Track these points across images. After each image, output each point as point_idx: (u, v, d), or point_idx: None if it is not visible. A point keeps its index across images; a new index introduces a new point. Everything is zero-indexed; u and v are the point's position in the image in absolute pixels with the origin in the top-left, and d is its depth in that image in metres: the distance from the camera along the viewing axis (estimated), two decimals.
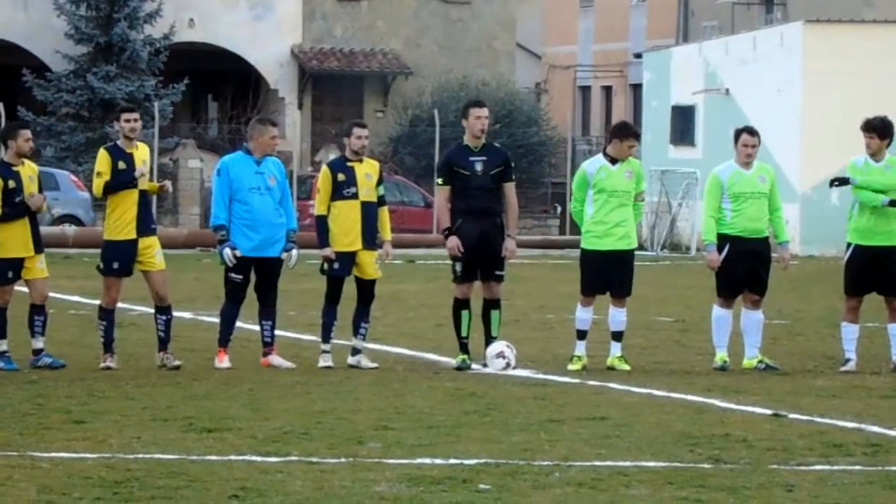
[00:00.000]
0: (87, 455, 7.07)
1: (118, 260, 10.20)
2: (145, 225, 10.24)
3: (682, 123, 31.09)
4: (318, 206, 10.53)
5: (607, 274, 10.62)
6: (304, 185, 32.01)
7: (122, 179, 10.19)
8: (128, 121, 10.31)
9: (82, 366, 10.44)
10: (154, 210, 10.77)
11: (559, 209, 32.94)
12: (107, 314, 10.28)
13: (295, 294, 16.43)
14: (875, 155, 10.76)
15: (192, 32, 35.00)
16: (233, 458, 7.03)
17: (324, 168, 10.65)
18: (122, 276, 10.29)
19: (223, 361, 10.46)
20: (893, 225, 10.67)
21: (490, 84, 35.23)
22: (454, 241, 10.36)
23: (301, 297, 16.09)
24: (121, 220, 10.19)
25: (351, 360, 10.54)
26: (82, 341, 11.94)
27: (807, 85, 28.40)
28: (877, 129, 10.74)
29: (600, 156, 10.77)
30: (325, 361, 10.50)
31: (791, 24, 30.28)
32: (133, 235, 10.19)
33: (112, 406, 8.63)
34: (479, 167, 10.40)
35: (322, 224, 10.48)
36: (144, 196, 10.28)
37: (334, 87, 36.20)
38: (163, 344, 10.37)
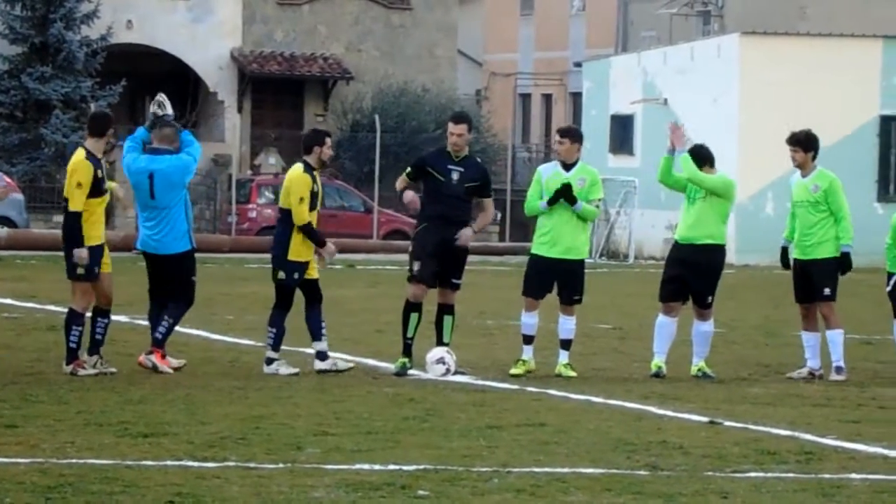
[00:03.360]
0: (20, 460, 6.96)
1: (97, 264, 10.19)
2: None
3: (621, 132, 31.29)
4: (304, 215, 10.24)
5: (551, 281, 10.65)
6: (244, 188, 31.79)
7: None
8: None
9: (14, 369, 10.29)
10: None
11: (499, 216, 33.00)
12: (82, 318, 10.17)
13: (235, 298, 16.30)
14: (802, 167, 10.90)
15: (129, 34, 34.63)
16: (169, 463, 6.97)
17: (305, 176, 10.38)
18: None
19: (165, 365, 10.37)
20: (815, 238, 10.81)
21: (431, 90, 35.25)
22: (411, 195, 10.28)
23: (241, 301, 15.95)
24: (97, 226, 10.20)
25: (320, 365, 10.36)
26: (15, 344, 11.77)
27: (743, 95, 28.70)
28: (801, 142, 10.87)
29: (555, 162, 10.79)
30: (288, 369, 10.37)
31: (728, 36, 30.62)
32: (103, 240, 10.27)
33: (45, 410, 8.50)
34: (454, 176, 10.37)
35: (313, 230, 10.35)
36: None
37: (274, 91, 35.99)
38: (96, 347, 10.25)
